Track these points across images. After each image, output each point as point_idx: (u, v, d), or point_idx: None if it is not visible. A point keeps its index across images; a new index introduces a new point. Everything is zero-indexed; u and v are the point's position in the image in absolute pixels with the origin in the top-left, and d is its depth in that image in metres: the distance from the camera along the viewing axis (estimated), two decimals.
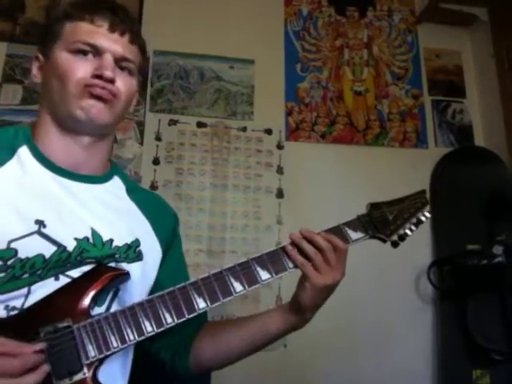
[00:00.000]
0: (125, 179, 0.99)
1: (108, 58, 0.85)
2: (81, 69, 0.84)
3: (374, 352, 1.90)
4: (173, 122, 2.06)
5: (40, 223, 0.78)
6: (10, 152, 0.84)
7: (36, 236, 0.77)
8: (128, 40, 0.88)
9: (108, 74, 0.83)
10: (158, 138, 2.03)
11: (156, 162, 2.01)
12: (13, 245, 0.75)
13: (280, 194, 2.05)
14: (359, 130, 2.19)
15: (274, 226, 2.00)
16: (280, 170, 2.08)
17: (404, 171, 2.10)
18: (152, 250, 0.93)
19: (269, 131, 2.12)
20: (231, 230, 1.98)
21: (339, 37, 2.31)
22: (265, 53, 2.20)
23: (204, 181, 2.02)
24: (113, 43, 0.86)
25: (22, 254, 0.76)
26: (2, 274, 0.75)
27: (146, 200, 0.99)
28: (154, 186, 1.97)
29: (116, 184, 0.96)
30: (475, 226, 1.98)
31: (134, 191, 0.98)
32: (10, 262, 0.75)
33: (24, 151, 0.85)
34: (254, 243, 1.96)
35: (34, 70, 0.90)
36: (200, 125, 2.08)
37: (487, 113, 2.26)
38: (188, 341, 0.95)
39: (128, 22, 0.89)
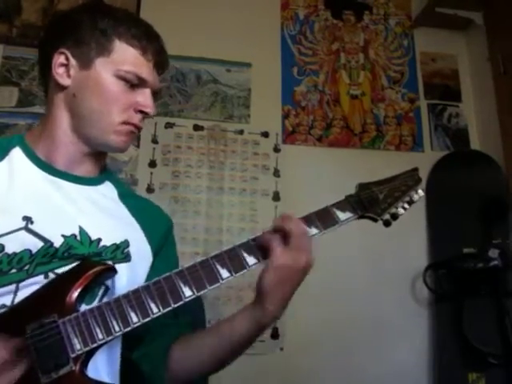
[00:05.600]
0: (117, 185, 0.99)
1: (148, 94, 0.89)
2: (126, 102, 0.87)
3: (371, 355, 1.90)
4: (169, 125, 2.06)
5: (27, 219, 0.80)
6: (2, 154, 0.87)
7: (23, 232, 0.79)
8: (161, 76, 0.95)
9: (151, 112, 0.89)
10: (155, 141, 2.03)
11: (152, 164, 2.01)
12: (0, 240, 0.76)
13: (276, 196, 2.05)
14: (355, 134, 2.20)
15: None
16: (276, 173, 2.08)
17: None
18: (141, 252, 0.92)
19: (265, 134, 2.12)
20: (227, 233, 1.98)
21: (335, 40, 2.32)
22: (261, 56, 2.21)
23: (200, 184, 2.02)
24: (154, 79, 0.91)
25: (9, 249, 0.77)
26: None
27: (139, 205, 0.99)
28: (150, 189, 1.97)
29: (108, 188, 0.96)
30: (471, 229, 1.98)
31: (127, 196, 0.98)
32: None
33: (16, 152, 0.88)
34: None
35: (61, 70, 0.87)
36: (196, 128, 2.08)
37: (483, 116, 2.27)
38: (164, 349, 0.91)
39: (167, 61, 0.95)
